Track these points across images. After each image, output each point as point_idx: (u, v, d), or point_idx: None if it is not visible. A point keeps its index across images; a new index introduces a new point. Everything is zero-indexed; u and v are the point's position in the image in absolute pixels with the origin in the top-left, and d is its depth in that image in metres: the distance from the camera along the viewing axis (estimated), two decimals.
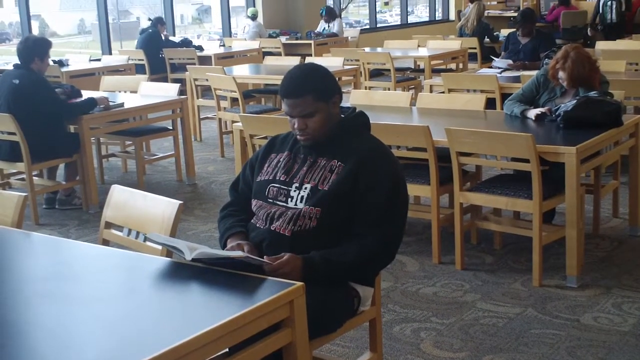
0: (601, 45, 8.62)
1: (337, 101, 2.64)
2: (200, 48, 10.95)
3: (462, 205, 4.26)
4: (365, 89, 8.73)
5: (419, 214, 4.64)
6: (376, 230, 2.51)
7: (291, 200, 2.59)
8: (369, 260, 2.54)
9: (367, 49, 10.19)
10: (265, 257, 2.40)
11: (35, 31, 11.68)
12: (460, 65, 9.58)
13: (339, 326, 2.57)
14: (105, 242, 2.91)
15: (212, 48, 11.34)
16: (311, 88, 2.57)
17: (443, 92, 6.49)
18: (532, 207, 3.96)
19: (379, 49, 10.27)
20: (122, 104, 6.00)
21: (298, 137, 2.64)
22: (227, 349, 1.97)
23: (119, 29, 13.83)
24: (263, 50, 11.26)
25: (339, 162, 2.58)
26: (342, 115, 2.70)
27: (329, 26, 12.62)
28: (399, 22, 17.10)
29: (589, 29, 13.10)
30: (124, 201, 2.89)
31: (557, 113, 4.44)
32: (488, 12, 15.26)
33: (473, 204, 4.36)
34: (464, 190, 4.25)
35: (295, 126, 2.61)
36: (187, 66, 8.25)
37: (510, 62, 7.28)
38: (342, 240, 2.53)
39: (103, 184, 6.61)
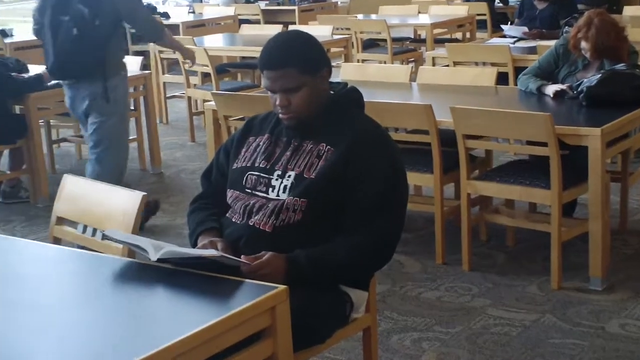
0: (629, 10, 8.64)
1: (325, 75, 2.64)
2: (166, 15, 10.91)
3: (469, 196, 4.27)
4: (358, 62, 8.71)
5: (420, 207, 4.64)
6: (371, 225, 2.51)
7: (272, 191, 2.59)
8: (363, 260, 2.54)
9: (359, 16, 10.18)
10: (242, 256, 2.39)
11: None
12: (468, 35, 9.58)
13: (328, 336, 2.57)
14: (57, 241, 2.90)
15: (179, 15, 11.29)
16: (295, 58, 2.56)
17: (447, 66, 6.49)
18: (550, 197, 3.98)
19: (374, 16, 10.25)
20: None
21: (280, 116, 2.64)
22: None
23: None
24: (239, 17, 11.23)
25: (328, 146, 2.58)
26: (332, 92, 2.70)
27: None
28: None
29: None
30: (79, 193, 2.88)
31: (579, 89, 4.45)
32: None
33: (482, 194, 4.36)
34: (471, 178, 4.26)
35: (277, 103, 2.60)
36: None
37: (526, 30, 7.28)
38: (331, 236, 2.53)
39: (54, 173, 6.58)
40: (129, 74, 6.28)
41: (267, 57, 2.60)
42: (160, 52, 7.99)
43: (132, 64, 6.53)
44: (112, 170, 4.95)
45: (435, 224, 4.43)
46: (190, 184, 6.15)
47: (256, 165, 2.66)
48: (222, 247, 2.51)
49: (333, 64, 2.80)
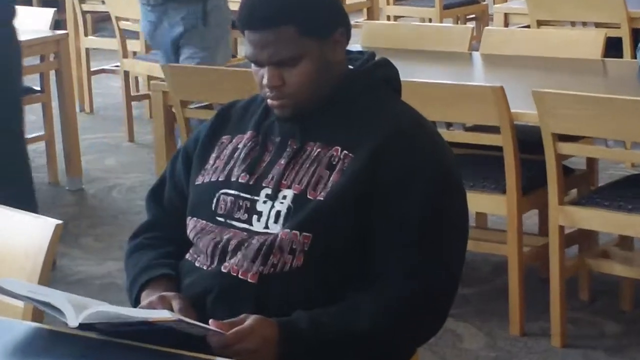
0: None
1: (339, 40, 2.65)
2: None
3: (563, 230, 4.26)
4: (389, 19, 8.74)
5: (486, 247, 4.64)
6: (411, 273, 2.51)
7: (258, 220, 2.59)
8: (398, 328, 2.54)
9: None
10: (211, 321, 2.39)
11: None
12: None
13: None
14: None
15: None
16: (294, 13, 2.57)
17: (527, 27, 6.50)
18: None
19: None
20: None
21: (269, 102, 2.65)
22: None
23: None
24: None
25: (344, 151, 2.59)
26: (350, 67, 2.71)
27: None
28: None
29: None
30: None
31: None
32: None
33: (582, 227, 4.36)
34: (566, 203, 4.26)
35: (265, 82, 2.61)
36: None
37: None
38: (348, 291, 2.54)
39: None
40: (35, 37, 6.35)
41: (250, 10, 2.60)
42: (82, 1, 8.02)
43: (39, 19, 6.55)
44: None
45: (509, 273, 4.42)
46: (128, 208, 6.15)
47: (233, 179, 2.66)
48: (180, 306, 2.50)
49: (352, 22, 2.81)
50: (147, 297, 2.60)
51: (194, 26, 5.71)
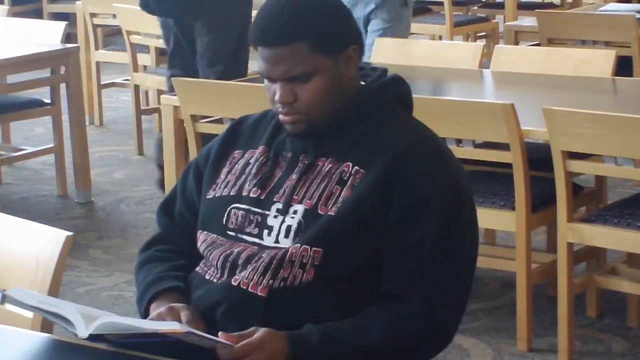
0: None
1: (352, 56, 2.65)
2: None
3: (571, 247, 4.26)
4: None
5: (494, 263, 4.63)
6: (421, 289, 2.52)
7: (269, 234, 2.60)
8: (407, 343, 2.54)
9: None
10: (220, 333, 2.39)
11: None
12: None
13: None
14: None
15: None
16: (307, 29, 2.58)
17: (538, 44, 6.49)
18: None
19: None
20: None
21: (281, 117, 2.65)
22: None
23: None
24: None
25: (356, 167, 2.59)
26: (362, 83, 2.71)
27: None
28: None
29: None
30: None
31: None
32: None
33: (591, 244, 4.36)
34: (575, 220, 4.25)
35: (277, 98, 2.61)
36: None
37: None
38: (359, 306, 2.54)
39: None
40: (45, 50, 6.36)
41: (263, 26, 2.61)
42: (93, 15, 8.02)
43: (49, 32, 6.56)
44: None
45: (517, 289, 4.41)
46: (138, 221, 6.13)
47: (244, 194, 2.66)
48: (189, 317, 2.51)
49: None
50: (156, 309, 2.60)
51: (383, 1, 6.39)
